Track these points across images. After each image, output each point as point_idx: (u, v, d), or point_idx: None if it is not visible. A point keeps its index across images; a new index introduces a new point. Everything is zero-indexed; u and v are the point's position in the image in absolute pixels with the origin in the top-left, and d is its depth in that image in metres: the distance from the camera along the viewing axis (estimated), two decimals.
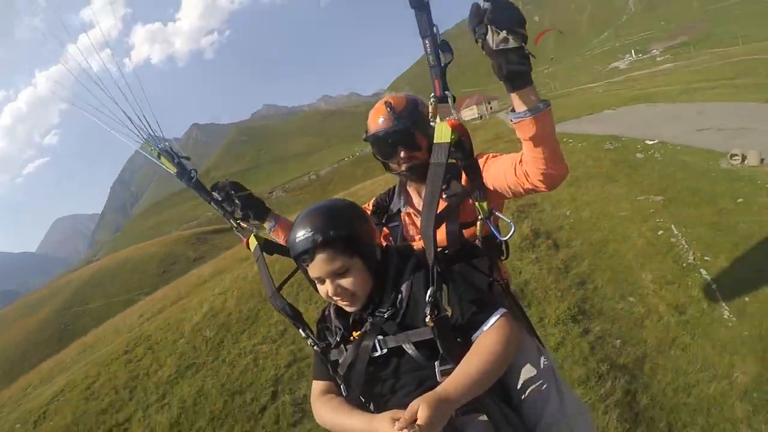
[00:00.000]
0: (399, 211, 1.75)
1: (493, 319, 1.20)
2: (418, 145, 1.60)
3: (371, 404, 1.30)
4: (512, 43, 0.98)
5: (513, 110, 1.15)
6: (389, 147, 1.62)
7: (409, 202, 1.75)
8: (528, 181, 1.28)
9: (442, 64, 1.14)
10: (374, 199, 1.87)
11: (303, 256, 1.23)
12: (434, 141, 1.23)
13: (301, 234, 1.22)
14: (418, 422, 0.94)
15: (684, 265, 4.03)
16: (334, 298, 1.27)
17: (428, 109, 1.30)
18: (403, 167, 1.63)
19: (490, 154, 1.56)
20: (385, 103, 1.62)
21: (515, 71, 1.02)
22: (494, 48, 0.99)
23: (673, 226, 4.74)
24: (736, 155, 6.10)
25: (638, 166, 7.45)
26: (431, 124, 1.26)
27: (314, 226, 1.22)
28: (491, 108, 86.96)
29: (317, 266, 1.22)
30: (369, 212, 1.77)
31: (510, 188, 1.38)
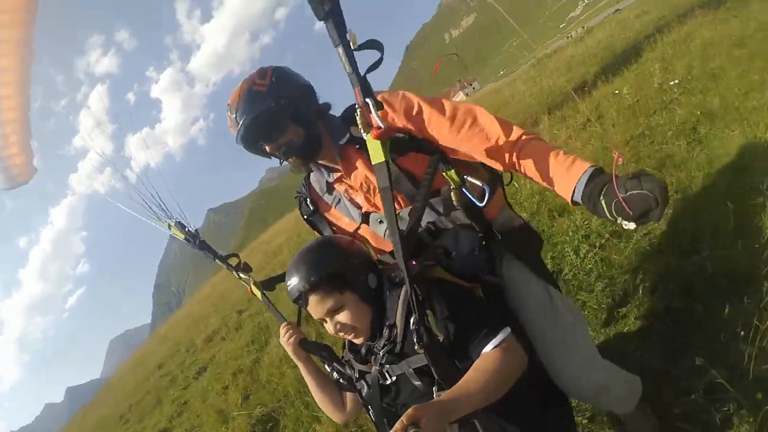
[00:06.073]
0: (331, 188, 1.57)
1: (497, 339, 1.17)
2: (281, 128, 1.42)
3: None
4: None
5: (575, 193, 1.16)
6: (253, 148, 1.48)
7: (333, 170, 1.54)
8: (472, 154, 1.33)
9: (363, 72, 1.03)
10: (297, 198, 1.69)
11: (298, 302, 1.31)
12: (372, 162, 1.13)
13: (291, 283, 1.29)
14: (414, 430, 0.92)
15: None
16: (339, 334, 1.32)
17: (284, 71, 1.42)
18: (282, 155, 1.45)
19: (417, 99, 1.40)
20: (228, 106, 1.45)
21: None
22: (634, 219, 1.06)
23: None
24: None
25: None
26: (358, 115, 1.11)
27: (300, 273, 1.27)
28: (473, 87, 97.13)
29: (313, 309, 1.30)
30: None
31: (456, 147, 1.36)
